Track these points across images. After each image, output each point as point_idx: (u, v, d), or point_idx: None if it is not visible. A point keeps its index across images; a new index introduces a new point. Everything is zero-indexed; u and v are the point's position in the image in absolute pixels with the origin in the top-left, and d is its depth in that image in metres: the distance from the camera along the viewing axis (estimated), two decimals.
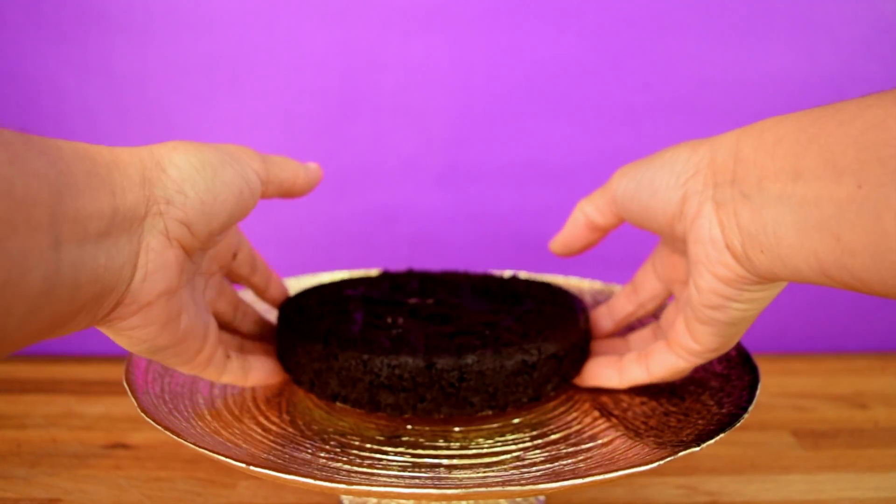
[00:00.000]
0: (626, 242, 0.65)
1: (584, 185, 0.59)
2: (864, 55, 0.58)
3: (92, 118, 0.61)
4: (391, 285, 0.53)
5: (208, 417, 0.41)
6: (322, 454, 0.38)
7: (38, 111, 0.61)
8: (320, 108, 0.62)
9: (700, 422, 0.40)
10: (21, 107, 0.60)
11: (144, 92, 0.61)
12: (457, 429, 0.41)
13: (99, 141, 0.60)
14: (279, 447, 0.39)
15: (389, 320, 0.45)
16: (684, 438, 0.38)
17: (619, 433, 0.40)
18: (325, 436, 0.40)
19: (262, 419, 0.42)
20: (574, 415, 0.43)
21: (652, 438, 0.39)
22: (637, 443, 0.39)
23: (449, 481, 0.36)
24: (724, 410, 0.40)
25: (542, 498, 0.44)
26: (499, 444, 0.40)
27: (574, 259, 0.62)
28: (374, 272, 0.65)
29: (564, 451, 0.39)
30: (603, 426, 0.41)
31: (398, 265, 0.64)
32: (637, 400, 0.45)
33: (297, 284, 0.62)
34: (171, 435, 0.35)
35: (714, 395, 0.43)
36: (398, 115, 0.63)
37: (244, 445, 0.38)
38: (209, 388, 0.45)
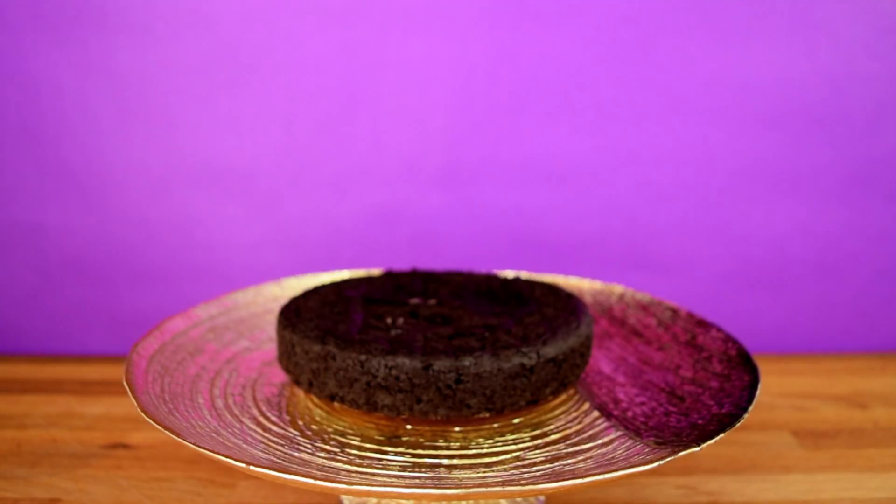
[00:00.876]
0: (627, 242, 0.65)
1: (583, 184, 0.62)
2: (864, 55, 0.58)
3: (93, 118, 0.61)
4: (394, 285, 0.53)
5: (208, 417, 0.41)
6: (322, 454, 0.38)
7: (39, 111, 0.60)
8: (320, 107, 0.61)
9: (700, 422, 0.40)
10: (22, 107, 0.60)
11: (145, 92, 0.60)
12: (457, 429, 0.41)
13: (100, 141, 0.60)
14: (279, 447, 0.39)
15: (389, 321, 0.45)
16: (684, 438, 0.38)
17: (619, 433, 0.40)
18: (325, 436, 0.40)
19: (262, 419, 0.42)
20: (574, 415, 0.43)
21: (652, 438, 0.39)
22: (637, 443, 0.39)
23: (449, 481, 0.36)
24: (724, 410, 0.40)
25: (542, 498, 0.44)
26: (499, 444, 0.40)
27: (574, 259, 0.64)
28: (376, 272, 0.65)
29: (564, 451, 0.39)
30: (603, 426, 0.41)
31: (399, 264, 0.64)
32: (637, 400, 0.45)
33: (297, 284, 0.62)
34: (172, 435, 0.35)
35: (714, 396, 0.43)
36: (398, 115, 0.62)
37: (244, 445, 0.38)
38: (209, 388, 0.45)
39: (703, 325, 0.53)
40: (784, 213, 0.60)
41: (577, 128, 0.61)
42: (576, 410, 0.43)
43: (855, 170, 0.59)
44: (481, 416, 0.40)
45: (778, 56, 0.59)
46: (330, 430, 0.41)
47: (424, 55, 0.62)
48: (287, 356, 0.44)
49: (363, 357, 0.39)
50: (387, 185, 0.63)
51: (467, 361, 0.39)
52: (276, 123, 0.61)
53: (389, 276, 0.56)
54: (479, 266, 0.64)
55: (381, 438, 0.40)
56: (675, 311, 0.57)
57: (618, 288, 0.63)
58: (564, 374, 0.42)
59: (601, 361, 0.52)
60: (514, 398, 0.40)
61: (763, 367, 0.56)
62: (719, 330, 0.52)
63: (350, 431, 0.41)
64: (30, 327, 0.62)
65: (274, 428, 0.41)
